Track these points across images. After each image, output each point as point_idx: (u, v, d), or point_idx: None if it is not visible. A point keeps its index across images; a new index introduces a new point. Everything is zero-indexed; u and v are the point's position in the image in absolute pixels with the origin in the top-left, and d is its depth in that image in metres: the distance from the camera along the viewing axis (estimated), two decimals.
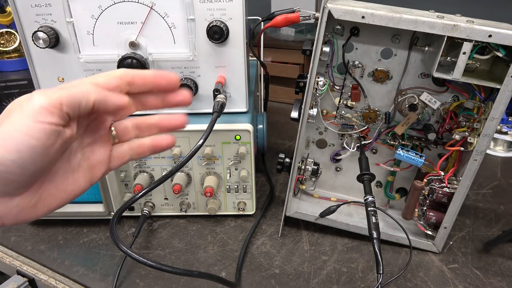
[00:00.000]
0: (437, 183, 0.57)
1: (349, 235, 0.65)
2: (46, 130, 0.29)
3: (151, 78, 0.36)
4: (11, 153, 0.28)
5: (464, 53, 0.47)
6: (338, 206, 0.62)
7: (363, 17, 0.48)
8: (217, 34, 0.58)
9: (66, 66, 0.62)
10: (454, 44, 0.48)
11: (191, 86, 0.62)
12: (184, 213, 0.70)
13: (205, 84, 0.64)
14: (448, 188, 0.57)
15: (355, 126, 0.63)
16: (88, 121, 0.36)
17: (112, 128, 0.37)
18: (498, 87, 0.48)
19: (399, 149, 0.58)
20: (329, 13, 0.48)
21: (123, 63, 0.58)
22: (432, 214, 0.59)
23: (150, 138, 0.39)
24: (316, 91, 0.58)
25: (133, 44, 0.60)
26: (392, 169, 0.63)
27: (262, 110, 0.89)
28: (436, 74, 0.49)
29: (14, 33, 0.99)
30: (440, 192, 0.57)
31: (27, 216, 0.32)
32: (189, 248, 0.63)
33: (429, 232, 0.61)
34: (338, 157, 0.67)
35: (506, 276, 0.57)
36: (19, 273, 0.61)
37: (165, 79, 0.36)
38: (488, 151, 0.94)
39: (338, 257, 0.61)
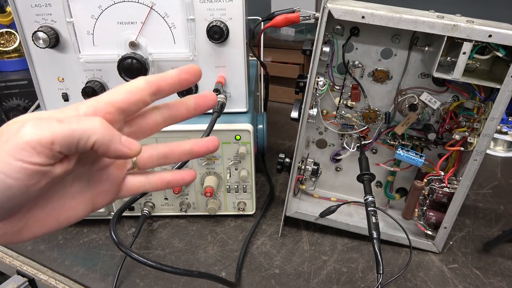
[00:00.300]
0: (437, 183, 0.57)
1: (349, 235, 0.65)
2: (27, 171, 0.24)
3: (176, 76, 0.32)
4: None
5: (464, 53, 0.47)
6: (338, 206, 0.62)
7: (363, 17, 0.48)
8: (217, 34, 0.58)
9: (66, 66, 0.62)
10: (454, 44, 0.48)
11: (191, 86, 0.62)
12: (184, 213, 0.70)
13: (205, 84, 0.64)
14: (448, 188, 0.57)
15: (355, 126, 0.63)
16: None
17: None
18: (498, 87, 0.48)
19: (399, 149, 0.58)
20: (329, 13, 0.48)
21: (123, 63, 0.58)
22: (432, 214, 0.59)
23: (171, 173, 0.34)
24: (316, 91, 0.58)
25: (133, 44, 0.60)
26: (392, 169, 0.63)
27: (262, 110, 0.89)
28: (436, 74, 0.49)
29: (14, 33, 0.99)
30: (440, 192, 0.57)
31: (9, 240, 0.28)
32: (189, 248, 0.63)
33: (429, 232, 0.61)
34: (338, 157, 0.67)
35: (506, 276, 0.57)
36: (19, 273, 0.61)
37: (188, 73, 0.32)
38: (488, 151, 0.94)
39: (338, 257, 0.61)
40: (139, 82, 0.30)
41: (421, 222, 0.61)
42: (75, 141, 0.26)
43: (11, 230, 0.28)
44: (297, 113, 0.58)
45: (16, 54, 0.99)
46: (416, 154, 0.57)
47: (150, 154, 0.33)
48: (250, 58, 0.82)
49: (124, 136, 0.28)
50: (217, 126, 0.58)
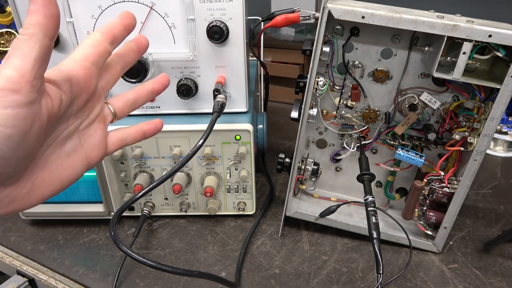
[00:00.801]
0: (437, 183, 0.57)
1: (349, 235, 0.65)
2: (18, 114, 0.26)
3: (121, 22, 0.36)
4: None
5: (464, 53, 0.47)
6: (338, 206, 0.62)
7: (363, 17, 0.48)
8: (217, 34, 0.58)
9: None
10: (454, 44, 0.48)
11: (191, 86, 0.62)
12: (184, 213, 0.70)
13: (205, 84, 0.64)
14: (448, 188, 0.57)
15: (355, 126, 0.63)
16: (83, 97, 0.34)
17: (110, 106, 0.38)
18: (498, 87, 0.48)
19: (399, 149, 0.58)
20: (329, 13, 0.48)
21: None
22: (432, 214, 0.59)
23: (144, 123, 0.41)
24: (316, 91, 0.58)
25: None
26: (392, 169, 0.63)
27: (262, 110, 0.89)
28: (436, 74, 0.49)
29: (14, 33, 0.99)
30: (440, 192, 0.57)
31: (20, 205, 0.31)
32: (189, 248, 0.63)
33: (429, 232, 0.61)
34: (338, 157, 0.67)
35: (506, 276, 0.57)
36: (19, 273, 0.61)
37: (128, 17, 0.37)
38: (488, 151, 0.94)
39: (338, 257, 0.61)
40: (96, 35, 0.34)
41: (421, 222, 0.61)
42: (39, 63, 0.27)
43: (20, 194, 0.30)
44: (297, 113, 0.58)
45: None
46: (416, 154, 0.57)
47: (124, 101, 0.39)
48: (250, 58, 0.82)
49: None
50: (217, 126, 0.58)
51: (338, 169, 0.69)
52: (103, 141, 0.37)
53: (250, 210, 0.70)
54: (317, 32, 0.49)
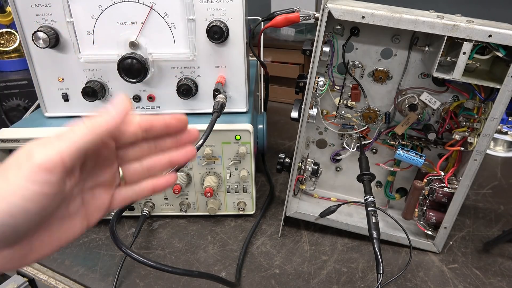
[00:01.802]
0: (437, 183, 0.57)
1: (349, 235, 0.65)
2: (44, 192, 0.26)
3: (166, 121, 0.35)
4: (3, 216, 0.25)
5: (464, 53, 0.47)
6: (338, 206, 0.62)
7: (363, 17, 0.48)
8: (217, 34, 0.58)
9: (66, 66, 0.62)
10: (454, 44, 0.48)
11: (191, 86, 0.62)
12: (184, 213, 0.70)
13: (205, 84, 0.64)
14: (448, 188, 0.57)
15: (355, 126, 0.63)
16: (93, 163, 0.33)
17: (120, 170, 0.35)
18: (498, 87, 0.48)
19: (399, 149, 0.58)
20: (329, 13, 0.48)
21: (123, 63, 0.58)
22: (432, 214, 0.59)
23: (151, 182, 0.37)
24: (316, 91, 0.58)
25: (133, 44, 0.60)
26: (392, 169, 0.63)
27: (262, 110, 0.89)
28: (436, 74, 0.49)
29: (14, 33, 0.99)
30: (440, 192, 0.57)
31: (15, 265, 0.29)
32: (189, 248, 0.63)
33: (429, 232, 0.61)
34: (338, 157, 0.67)
35: (506, 276, 0.57)
36: (19, 273, 0.61)
37: (177, 119, 0.36)
38: (488, 151, 0.94)
39: (338, 257, 0.61)
40: (134, 116, 0.33)
41: (421, 222, 0.61)
42: (80, 153, 0.28)
43: (18, 255, 0.29)
44: (297, 113, 0.58)
45: (16, 54, 0.99)
46: (416, 154, 0.57)
47: (134, 168, 0.36)
48: (250, 58, 0.82)
49: (109, 106, 0.31)
50: (217, 126, 0.58)
51: (338, 169, 0.69)
52: (106, 203, 0.35)
53: (250, 210, 0.70)
54: (317, 32, 0.49)
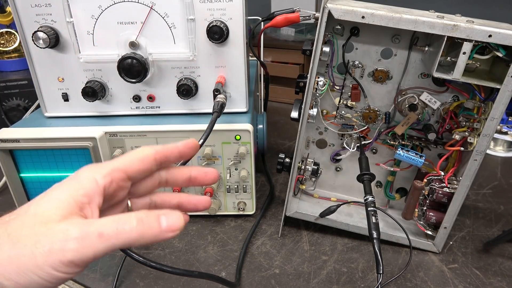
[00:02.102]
0: (437, 183, 0.57)
1: (349, 235, 0.65)
2: (63, 279, 0.27)
3: (180, 150, 0.35)
4: None
5: (464, 53, 0.47)
6: (338, 206, 0.62)
7: (363, 17, 0.48)
8: (217, 34, 0.58)
9: (66, 66, 0.62)
10: (454, 44, 0.48)
11: (191, 86, 0.62)
12: (184, 213, 0.69)
13: (205, 84, 0.64)
14: (448, 188, 0.57)
15: (355, 126, 0.63)
16: (107, 204, 0.33)
17: (129, 203, 0.36)
18: (498, 87, 0.48)
19: (399, 149, 0.58)
20: (329, 13, 0.48)
21: (123, 63, 0.58)
22: (432, 214, 0.59)
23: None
24: (316, 91, 0.58)
25: (133, 44, 0.60)
26: (392, 169, 0.63)
27: (262, 110, 0.89)
28: (436, 74, 0.49)
29: (14, 33, 0.99)
30: (440, 192, 0.57)
31: None
32: (189, 248, 0.63)
33: (429, 232, 0.61)
34: (338, 157, 0.67)
35: (506, 276, 0.57)
36: None
37: (190, 147, 0.36)
38: (488, 151, 0.94)
39: (338, 257, 0.61)
40: (150, 153, 0.33)
41: (421, 222, 0.61)
42: (115, 250, 0.28)
43: None
44: (297, 113, 0.58)
45: (16, 54, 0.99)
46: (416, 154, 0.57)
47: (144, 203, 0.36)
48: (250, 58, 0.82)
49: (163, 218, 0.29)
50: (217, 126, 0.58)
51: (338, 169, 0.69)
52: None
53: (250, 210, 0.70)
54: (317, 32, 0.49)
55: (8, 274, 0.25)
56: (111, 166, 0.31)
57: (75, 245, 0.26)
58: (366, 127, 0.62)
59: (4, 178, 0.69)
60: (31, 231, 0.26)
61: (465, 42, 0.46)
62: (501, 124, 0.51)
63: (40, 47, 0.59)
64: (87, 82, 0.63)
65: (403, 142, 0.60)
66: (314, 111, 0.57)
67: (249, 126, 0.62)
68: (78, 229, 0.27)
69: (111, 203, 0.33)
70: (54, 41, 0.59)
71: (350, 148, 0.63)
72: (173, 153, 0.35)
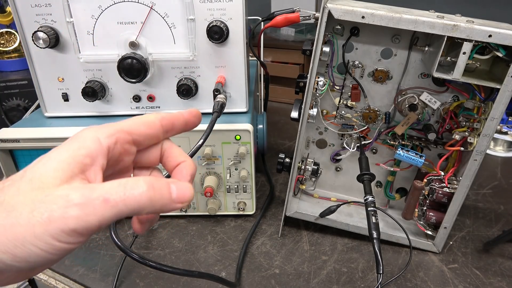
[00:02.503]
0: (437, 183, 0.57)
1: (349, 235, 0.65)
2: (66, 249, 0.24)
3: (185, 118, 0.34)
4: (19, 262, 0.23)
5: (464, 53, 0.47)
6: (338, 206, 0.62)
7: (363, 17, 0.48)
8: (217, 34, 0.58)
9: (66, 66, 0.62)
10: (454, 44, 0.48)
11: (191, 86, 0.62)
12: (184, 213, 0.70)
13: (205, 84, 0.64)
14: (448, 188, 0.57)
15: (355, 126, 0.63)
16: (111, 171, 0.31)
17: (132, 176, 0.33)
18: (498, 87, 0.48)
19: (399, 149, 0.58)
20: (329, 13, 0.48)
21: (123, 63, 0.58)
22: (432, 214, 0.59)
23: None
24: (316, 91, 0.58)
25: (133, 44, 0.60)
26: (392, 169, 0.63)
27: (262, 110, 0.89)
28: (436, 74, 0.49)
29: (14, 33, 0.99)
30: (440, 192, 0.57)
31: (15, 281, 0.27)
32: (189, 248, 0.63)
33: (429, 232, 0.61)
34: (338, 157, 0.67)
35: (506, 276, 0.57)
36: None
37: (195, 116, 0.34)
38: (488, 151, 0.94)
39: (338, 257, 0.61)
40: (156, 118, 0.31)
41: (421, 222, 0.61)
42: (122, 217, 0.25)
43: (19, 274, 0.27)
44: (297, 113, 0.58)
45: (16, 54, 0.99)
46: (416, 154, 0.57)
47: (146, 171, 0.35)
48: (250, 58, 0.82)
49: (173, 186, 0.27)
50: (217, 126, 0.58)
51: (338, 169, 0.69)
52: None
53: (250, 210, 0.70)
54: (317, 32, 0.49)
55: (3, 246, 0.23)
56: (116, 126, 0.29)
57: (78, 212, 0.23)
58: (366, 127, 0.62)
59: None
60: (27, 198, 0.24)
61: (465, 42, 0.46)
62: (501, 124, 0.51)
63: (40, 47, 0.59)
64: (87, 82, 0.63)
65: (403, 142, 0.60)
66: (314, 111, 0.57)
67: (249, 126, 0.62)
68: (80, 194, 0.24)
69: (115, 169, 0.31)
70: (54, 41, 0.59)
71: (350, 148, 0.63)
72: (179, 120, 0.33)
